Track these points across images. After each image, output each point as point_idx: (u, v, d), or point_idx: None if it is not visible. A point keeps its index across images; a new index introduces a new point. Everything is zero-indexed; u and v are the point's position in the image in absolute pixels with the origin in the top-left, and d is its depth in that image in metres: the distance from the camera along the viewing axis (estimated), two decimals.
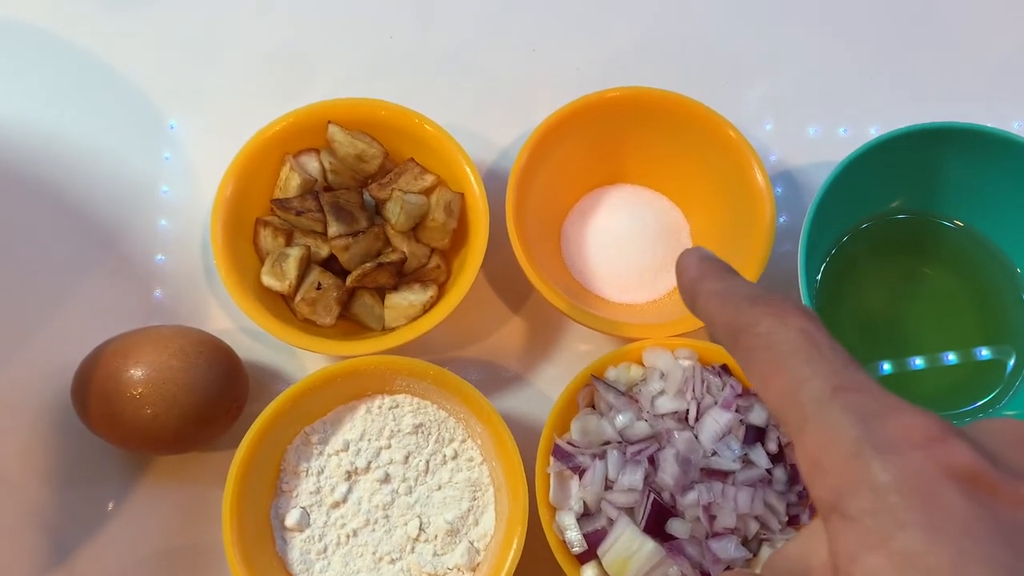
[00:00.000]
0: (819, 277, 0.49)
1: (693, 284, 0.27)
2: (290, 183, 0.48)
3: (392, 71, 0.57)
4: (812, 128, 0.57)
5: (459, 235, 0.49)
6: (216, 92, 0.56)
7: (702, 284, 0.26)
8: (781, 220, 0.53)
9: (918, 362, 0.49)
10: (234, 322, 0.51)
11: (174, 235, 0.52)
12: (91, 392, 0.44)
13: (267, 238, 0.48)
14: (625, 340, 0.47)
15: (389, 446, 0.46)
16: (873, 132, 0.56)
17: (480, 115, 0.55)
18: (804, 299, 0.43)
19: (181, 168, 0.54)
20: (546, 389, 0.51)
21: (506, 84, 0.57)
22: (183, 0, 0.57)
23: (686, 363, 0.45)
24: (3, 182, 0.53)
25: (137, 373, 0.43)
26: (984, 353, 0.49)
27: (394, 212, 0.47)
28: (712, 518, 0.41)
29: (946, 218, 0.51)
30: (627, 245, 0.51)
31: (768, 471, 0.42)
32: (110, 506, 0.47)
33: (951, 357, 0.49)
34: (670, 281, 0.51)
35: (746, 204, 0.49)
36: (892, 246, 0.51)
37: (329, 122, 0.49)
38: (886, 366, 0.49)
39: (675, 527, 0.41)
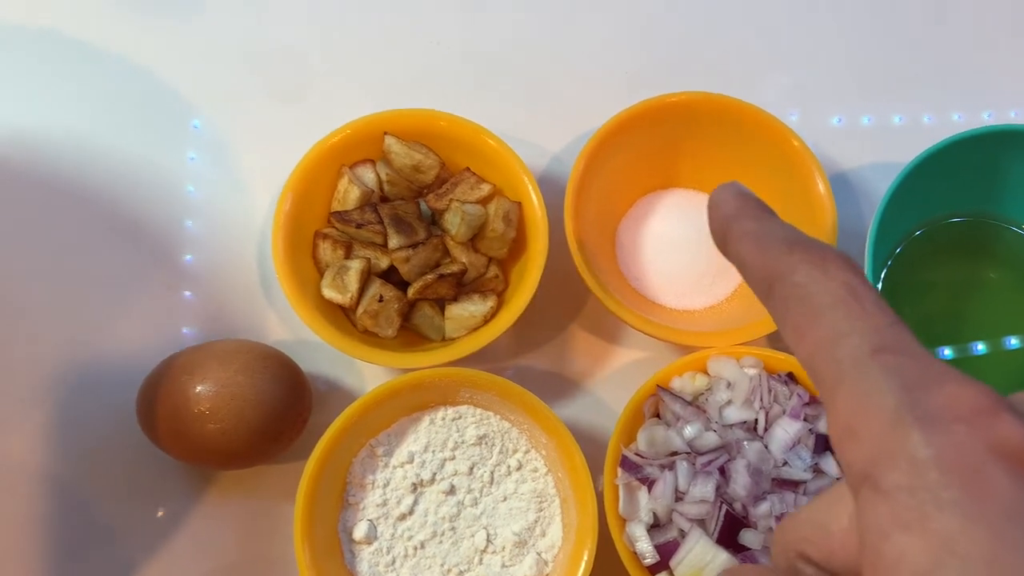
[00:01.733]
0: (879, 285, 0.49)
1: (727, 222, 0.24)
2: (349, 195, 0.48)
3: (438, 77, 0.56)
4: (863, 117, 0.56)
5: (516, 244, 0.49)
6: (255, 96, 0.55)
7: (737, 223, 0.24)
8: None
9: (980, 347, 0.49)
10: (292, 333, 0.51)
11: (235, 247, 0.52)
12: (157, 409, 0.44)
13: (326, 251, 0.48)
14: (684, 348, 0.47)
15: (453, 457, 0.46)
16: (925, 121, 0.56)
17: (530, 120, 0.55)
18: None
19: (234, 178, 0.54)
20: (607, 398, 0.51)
21: (553, 88, 0.56)
22: (227, 5, 0.57)
23: (752, 372, 0.45)
24: (45, 194, 0.53)
25: (204, 389, 0.43)
26: None
27: (453, 223, 0.47)
28: None
29: (1008, 222, 0.50)
30: (683, 250, 0.51)
31: (838, 479, 0.42)
32: (174, 520, 0.48)
33: (1013, 342, 0.49)
34: (728, 287, 0.51)
35: (806, 213, 0.48)
36: (952, 251, 0.50)
37: (385, 133, 0.49)
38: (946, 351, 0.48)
39: (748, 538, 0.41)
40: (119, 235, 0.52)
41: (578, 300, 0.52)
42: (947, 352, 0.48)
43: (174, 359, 0.45)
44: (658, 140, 0.51)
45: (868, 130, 0.56)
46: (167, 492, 0.48)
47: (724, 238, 0.24)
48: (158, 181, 0.53)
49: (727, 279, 0.51)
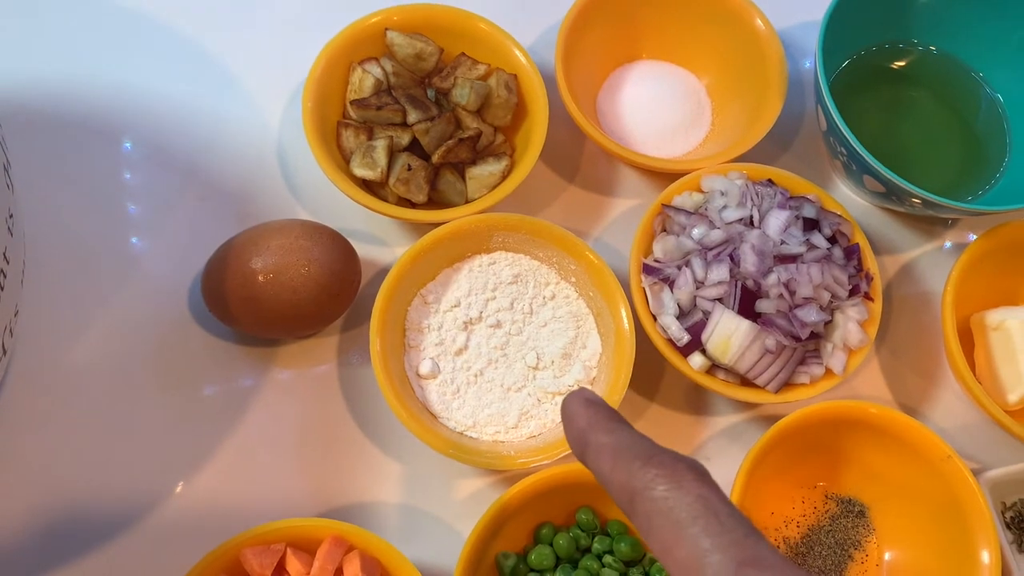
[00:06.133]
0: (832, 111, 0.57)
1: (582, 435, 0.26)
2: (364, 83, 0.54)
3: None
4: None
5: (516, 113, 0.56)
6: (255, 23, 0.61)
7: (591, 436, 0.26)
8: None
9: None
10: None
11: (257, 157, 0.57)
12: (226, 283, 0.48)
13: (349, 138, 0.53)
14: (672, 180, 0.54)
15: (494, 297, 0.51)
16: None
17: (504, 18, 0.61)
18: (836, 118, 0.50)
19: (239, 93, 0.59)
20: (611, 242, 0.57)
21: None
22: None
23: (739, 182, 0.52)
24: (98, 126, 0.57)
25: (270, 255, 0.48)
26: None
27: (463, 94, 0.53)
28: (792, 293, 0.48)
29: (919, 44, 0.60)
30: (657, 107, 0.59)
31: (828, 250, 0.49)
32: (245, 398, 0.52)
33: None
34: (700, 133, 0.59)
35: (753, 49, 0.57)
36: (879, 76, 0.59)
37: (387, 29, 0.54)
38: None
39: (763, 306, 0.48)
40: (151, 161, 0.56)
41: (572, 165, 0.59)
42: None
43: (233, 240, 0.50)
44: (623, 15, 0.58)
45: None
46: (232, 375, 0.52)
47: (582, 450, 0.26)
48: (179, 114, 0.58)
49: (699, 127, 0.59)
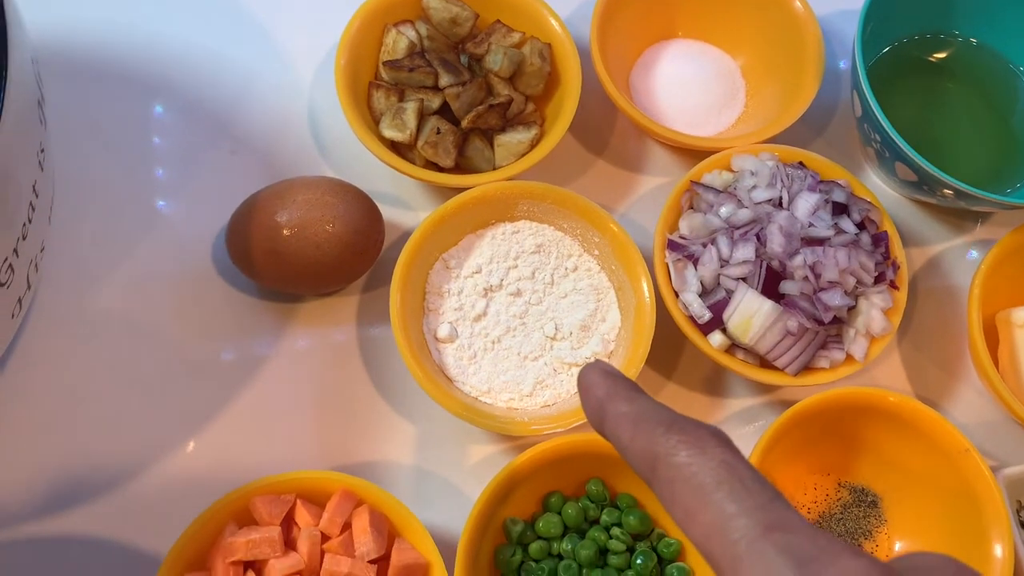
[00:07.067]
0: (868, 96, 0.57)
1: (600, 405, 0.26)
2: (398, 45, 0.54)
3: None
4: None
5: (549, 83, 0.55)
6: None
7: (610, 405, 0.25)
8: None
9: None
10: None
11: (286, 114, 0.57)
12: (251, 236, 0.49)
13: (380, 99, 0.53)
14: (702, 159, 0.53)
15: (516, 266, 0.51)
16: None
17: None
18: (871, 102, 0.50)
19: (277, 57, 0.59)
20: (638, 219, 0.57)
21: None
22: None
23: (770, 163, 0.51)
24: (133, 75, 0.57)
25: (295, 209, 0.48)
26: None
27: (496, 60, 0.53)
28: (817, 276, 0.47)
29: (960, 36, 0.59)
30: (691, 86, 0.58)
31: (856, 235, 0.49)
32: (264, 353, 0.52)
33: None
34: (733, 114, 0.58)
35: (791, 32, 0.56)
36: (917, 65, 0.59)
37: None
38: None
39: (787, 287, 0.48)
40: (183, 112, 0.57)
41: (602, 139, 0.59)
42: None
43: (259, 193, 0.50)
44: None
45: None
46: (254, 330, 0.52)
47: (601, 421, 0.26)
48: (212, 67, 0.58)
49: (732, 108, 0.59)
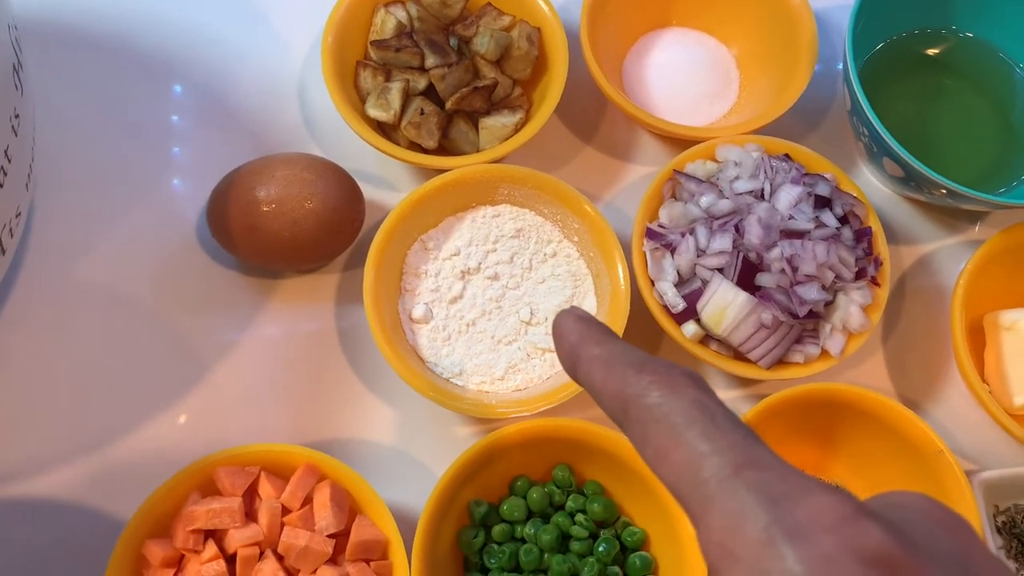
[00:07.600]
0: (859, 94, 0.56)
1: (573, 350, 0.25)
2: (386, 25, 0.54)
3: None
4: None
5: (537, 68, 0.55)
6: None
7: (583, 349, 0.25)
8: None
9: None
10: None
11: (276, 91, 0.57)
12: (230, 211, 0.49)
13: (367, 78, 0.53)
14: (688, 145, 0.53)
15: (495, 250, 0.51)
16: None
17: None
18: (859, 96, 0.49)
19: (270, 35, 0.59)
20: (623, 207, 0.56)
21: None
22: None
23: (755, 154, 0.51)
24: (123, 49, 0.57)
25: (273, 186, 0.48)
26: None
27: (484, 43, 0.53)
28: (795, 269, 0.47)
29: (961, 32, 0.58)
30: (684, 75, 0.58)
31: (837, 230, 0.48)
32: (242, 327, 0.52)
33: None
34: (725, 105, 0.58)
35: (786, 24, 0.55)
36: (913, 61, 0.57)
37: None
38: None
39: (763, 279, 0.47)
40: (172, 86, 0.57)
41: (591, 127, 0.58)
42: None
43: (239, 168, 0.50)
44: None
45: None
46: (233, 303, 0.52)
47: (574, 365, 0.25)
48: (205, 43, 0.58)
49: (724, 99, 0.58)
